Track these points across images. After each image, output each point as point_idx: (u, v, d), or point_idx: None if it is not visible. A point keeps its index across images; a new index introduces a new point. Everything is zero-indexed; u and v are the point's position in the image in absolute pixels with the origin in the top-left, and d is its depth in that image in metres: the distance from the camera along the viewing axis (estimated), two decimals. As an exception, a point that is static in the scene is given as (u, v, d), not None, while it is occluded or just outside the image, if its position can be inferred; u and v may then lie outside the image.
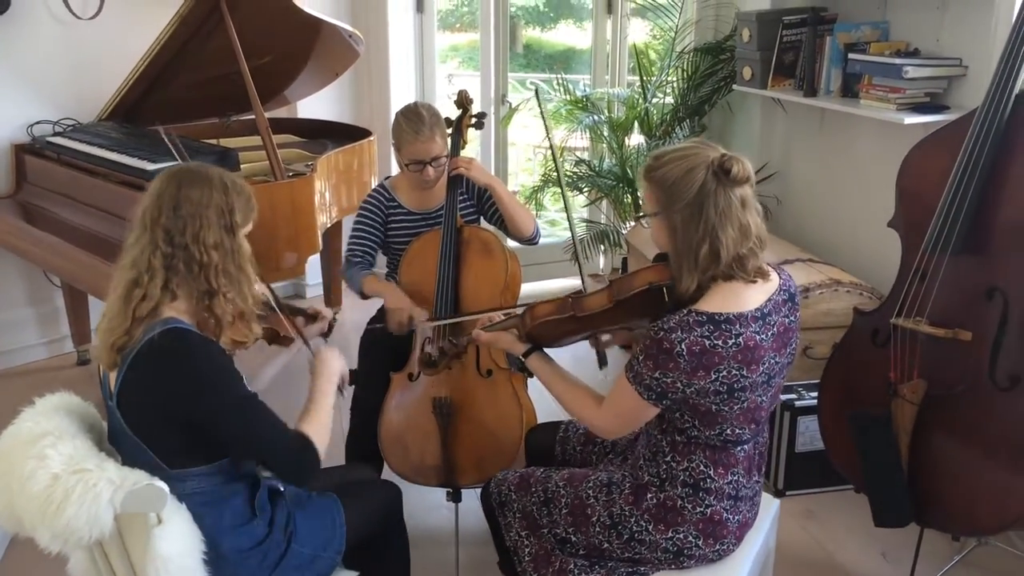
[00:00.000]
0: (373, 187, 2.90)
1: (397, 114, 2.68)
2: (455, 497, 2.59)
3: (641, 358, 1.74)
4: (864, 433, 2.34)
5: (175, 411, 1.65)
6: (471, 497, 2.85)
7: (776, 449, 3.00)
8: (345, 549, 1.92)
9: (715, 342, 1.69)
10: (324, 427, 1.84)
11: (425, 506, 2.91)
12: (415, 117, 2.63)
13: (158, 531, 1.51)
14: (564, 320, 1.95)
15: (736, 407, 1.76)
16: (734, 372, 1.71)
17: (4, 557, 2.68)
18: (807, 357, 3.04)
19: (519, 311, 2.07)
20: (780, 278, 1.85)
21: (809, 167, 3.86)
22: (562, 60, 7.70)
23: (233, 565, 1.73)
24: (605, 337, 2.15)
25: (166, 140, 3.17)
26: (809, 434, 2.91)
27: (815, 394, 2.74)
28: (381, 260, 2.90)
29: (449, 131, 2.74)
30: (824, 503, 2.98)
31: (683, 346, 1.68)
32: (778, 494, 3.01)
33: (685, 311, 1.72)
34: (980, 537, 2.54)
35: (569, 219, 3.06)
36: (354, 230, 2.79)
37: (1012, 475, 2.14)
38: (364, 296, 2.72)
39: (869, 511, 2.38)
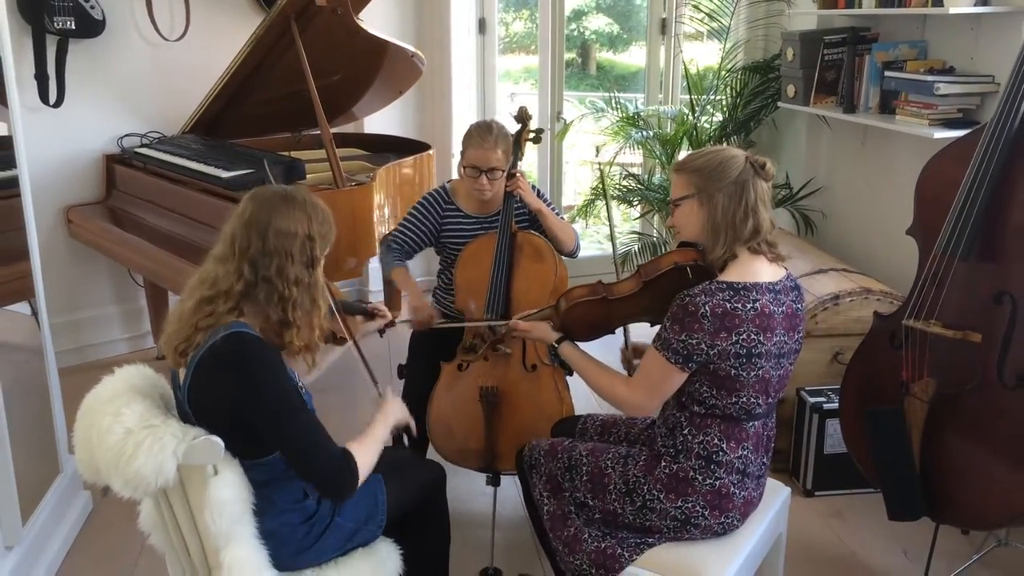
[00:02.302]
0: (434, 188, 3.11)
1: (471, 124, 2.93)
2: (494, 481, 2.77)
3: (668, 324, 1.93)
4: (878, 429, 2.45)
5: (235, 411, 1.79)
6: (510, 484, 3.03)
7: (805, 451, 3.11)
8: (387, 523, 2.09)
9: (735, 305, 1.89)
10: (370, 459, 1.91)
11: (467, 492, 3.09)
12: (485, 127, 2.88)
13: (214, 480, 1.73)
14: (596, 303, 2.15)
15: (752, 374, 1.93)
16: (752, 336, 1.90)
17: (86, 524, 2.96)
18: (837, 363, 3.14)
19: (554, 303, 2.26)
20: (786, 271, 2.05)
21: (853, 182, 3.95)
22: (632, 80, 7.87)
23: (282, 536, 1.92)
24: (635, 362, 2.32)
25: (264, 163, 3.36)
26: (837, 436, 3.00)
27: (842, 397, 2.85)
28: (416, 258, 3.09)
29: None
30: (852, 504, 3.07)
31: (707, 308, 1.88)
32: (807, 494, 3.12)
33: (708, 281, 1.93)
34: (989, 531, 2.61)
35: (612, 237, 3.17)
36: (404, 219, 3.00)
37: (1018, 471, 2.23)
38: (388, 282, 2.93)
39: (895, 512, 2.49)
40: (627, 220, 6.13)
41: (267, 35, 3.56)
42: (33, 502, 2.63)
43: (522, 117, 3.00)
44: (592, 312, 2.16)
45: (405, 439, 2.24)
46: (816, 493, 3.11)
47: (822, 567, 2.77)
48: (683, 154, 4.44)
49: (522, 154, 3.00)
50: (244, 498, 1.79)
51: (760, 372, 1.95)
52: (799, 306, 2.03)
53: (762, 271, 1.97)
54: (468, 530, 2.85)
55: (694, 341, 1.90)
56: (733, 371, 1.93)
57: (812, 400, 3.07)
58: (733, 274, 1.95)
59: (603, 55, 8.98)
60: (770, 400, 2.03)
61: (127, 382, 1.88)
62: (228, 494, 1.75)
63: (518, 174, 2.89)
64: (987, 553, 2.68)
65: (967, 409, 2.33)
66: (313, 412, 1.97)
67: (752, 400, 1.97)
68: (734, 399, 1.97)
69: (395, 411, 2.13)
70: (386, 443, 2.06)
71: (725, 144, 4.31)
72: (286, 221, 1.83)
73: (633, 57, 8.36)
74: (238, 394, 1.78)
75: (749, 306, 1.90)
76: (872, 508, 2.96)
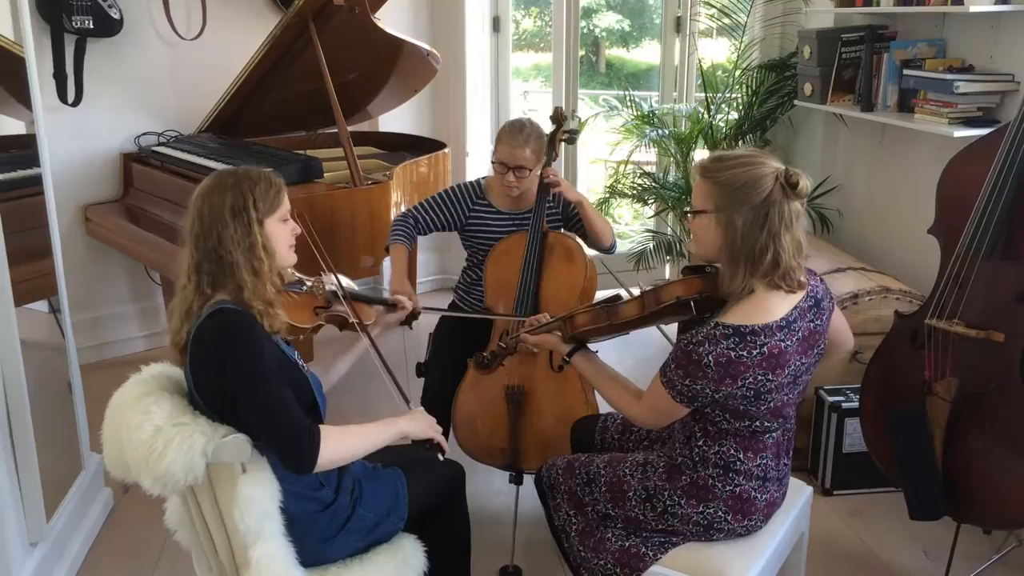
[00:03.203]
0: (470, 180, 3.12)
1: (506, 121, 2.96)
2: (517, 480, 2.78)
3: (673, 367, 1.88)
4: (900, 428, 2.45)
5: (224, 383, 1.79)
6: (531, 483, 3.04)
7: (824, 450, 3.11)
8: (408, 518, 2.10)
9: (740, 353, 1.80)
10: (347, 444, 1.88)
11: (487, 490, 3.10)
12: (519, 124, 2.89)
13: (243, 478, 1.74)
14: (601, 328, 2.16)
15: (763, 407, 1.90)
16: (760, 378, 1.82)
17: (107, 521, 2.98)
18: (856, 362, 3.13)
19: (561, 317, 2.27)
20: (809, 284, 1.94)
21: (870, 180, 3.94)
22: (643, 78, 7.86)
23: (305, 524, 1.93)
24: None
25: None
26: (856, 435, 3.00)
27: (861, 396, 2.85)
28: (434, 257, 3.11)
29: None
30: (871, 503, 3.07)
31: (710, 358, 1.80)
32: (825, 493, 3.11)
33: (712, 324, 1.83)
34: (1011, 530, 2.61)
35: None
36: (426, 201, 3.04)
37: (1041, 471, 2.23)
38: (386, 252, 2.96)
39: (914, 511, 2.50)
40: (638, 218, 6.14)
41: (284, 34, 3.58)
42: (56, 499, 2.65)
43: (557, 118, 3.01)
44: (599, 332, 2.18)
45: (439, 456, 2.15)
46: (835, 492, 3.11)
47: (842, 566, 2.77)
48: (700, 153, 4.44)
49: (556, 154, 3.00)
50: (273, 496, 1.80)
51: (771, 404, 1.90)
52: (819, 323, 1.95)
53: (775, 308, 1.85)
54: (488, 528, 2.86)
55: (698, 387, 1.84)
56: (742, 407, 1.89)
57: (831, 399, 3.07)
58: (740, 314, 1.84)
59: (613, 52, 8.96)
60: (787, 417, 2.00)
61: (155, 380, 1.89)
62: (257, 492, 1.76)
63: (552, 173, 2.90)
64: (1008, 553, 2.68)
65: (990, 408, 2.33)
66: (319, 392, 2.00)
67: (765, 424, 1.94)
68: (746, 423, 1.93)
69: (410, 422, 2.06)
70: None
71: (742, 144, 4.31)
72: (215, 195, 1.89)
73: (644, 54, 8.34)
74: (219, 358, 1.79)
75: (755, 352, 1.80)
76: (891, 507, 2.97)
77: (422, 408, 2.15)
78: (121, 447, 1.78)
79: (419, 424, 2.07)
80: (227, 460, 1.73)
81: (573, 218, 3.01)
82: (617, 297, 2.19)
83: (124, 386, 1.90)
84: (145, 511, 3.01)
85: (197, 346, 1.84)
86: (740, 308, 1.86)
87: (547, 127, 3.00)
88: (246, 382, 1.78)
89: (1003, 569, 2.66)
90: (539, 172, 2.90)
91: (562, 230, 3.04)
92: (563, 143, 3.02)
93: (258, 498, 1.76)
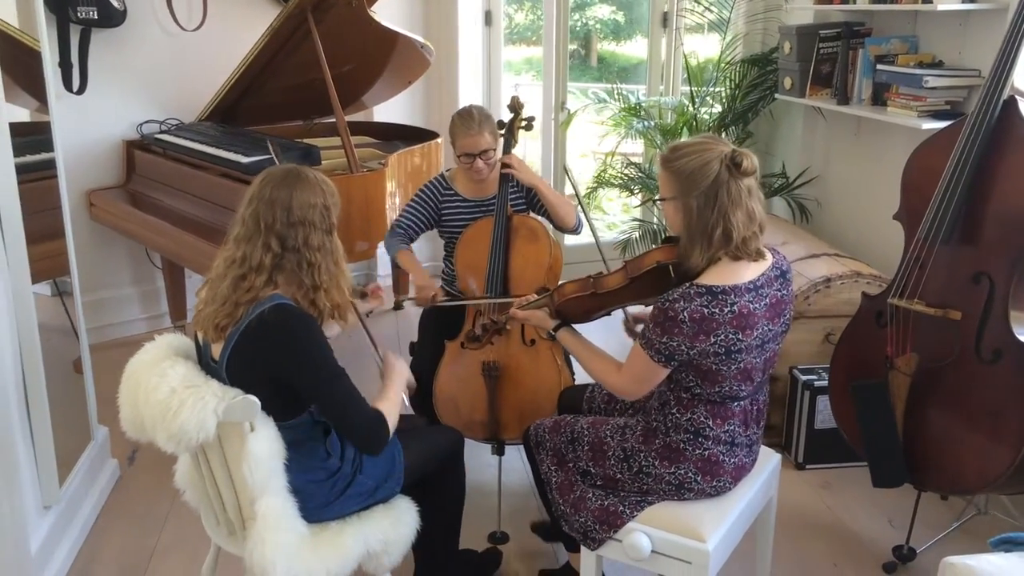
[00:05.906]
0: (433, 177, 3.27)
1: (453, 115, 3.07)
2: (499, 451, 2.93)
3: (651, 326, 2.04)
4: (864, 401, 2.61)
5: (278, 377, 1.95)
6: (513, 455, 3.19)
7: (797, 426, 3.27)
8: (407, 482, 2.25)
9: (712, 310, 1.97)
10: (395, 416, 2.12)
11: (474, 464, 3.22)
12: (467, 115, 3.02)
13: (252, 436, 1.88)
14: (587, 297, 2.30)
15: (734, 367, 2.05)
16: (731, 336, 1.99)
17: (115, 490, 3.12)
18: (828, 342, 3.29)
19: (549, 292, 2.42)
20: (774, 258, 2.14)
21: (847, 171, 4.10)
22: (632, 72, 7.98)
23: (309, 491, 2.07)
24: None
25: (269, 146, 3.56)
26: (827, 412, 3.14)
27: (832, 375, 3.01)
28: (425, 245, 3.24)
29: (502, 132, 3.10)
30: (841, 476, 3.23)
31: (685, 314, 1.97)
32: (799, 467, 3.27)
33: (687, 284, 2.02)
34: (966, 495, 2.77)
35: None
36: (407, 206, 3.18)
37: (993, 439, 2.39)
38: (395, 264, 3.09)
39: (880, 484, 2.65)
40: (627, 211, 6.28)
41: (284, 26, 3.70)
42: (67, 468, 2.78)
43: (514, 106, 3.15)
44: (584, 303, 2.32)
45: (405, 399, 2.40)
46: (807, 466, 3.27)
47: (813, 535, 2.93)
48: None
49: (515, 141, 3.14)
50: (278, 453, 1.94)
51: (741, 365, 2.05)
52: (785, 292, 2.12)
53: (743, 272, 2.03)
54: (476, 498, 2.99)
55: (675, 343, 2.00)
56: (715, 366, 2.04)
57: (804, 378, 3.23)
58: (712, 276, 2.01)
59: (605, 47, 9.07)
60: (755, 383, 2.14)
61: (169, 347, 2.04)
62: (265, 448, 1.90)
63: (508, 159, 3.03)
64: (967, 521, 2.84)
65: (947, 382, 2.49)
66: None
67: (735, 388, 2.09)
68: (717, 388, 2.08)
69: (401, 370, 2.29)
70: (404, 410, 2.22)
71: (724, 135, 4.46)
72: (305, 194, 2.00)
73: (635, 48, 8.45)
74: (289, 360, 1.93)
75: (727, 310, 1.97)
76: (859, 480, 3.13)
77: (389, 352, 2.35)
78: (137, 407, 1.93)
79: (404, 368, 2.32)
80: (236, 419, 1.87)
81: (537, 202, 3.14)
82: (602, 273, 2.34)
83: (138, 353, 2.04)
84: (150, 481, 3.16)
85: (259, 336, 1.93)
86: (712, 272, 2.04)
87: (506, 116, 3.14)
88: (326, 383, 1.98)
89: (963, 536, 2.82)
90: (500, 154, 3.04)
91: (530, 213, 3.18)
92: (521, 130, 3.16)
93: (265, 454, 1.90)
